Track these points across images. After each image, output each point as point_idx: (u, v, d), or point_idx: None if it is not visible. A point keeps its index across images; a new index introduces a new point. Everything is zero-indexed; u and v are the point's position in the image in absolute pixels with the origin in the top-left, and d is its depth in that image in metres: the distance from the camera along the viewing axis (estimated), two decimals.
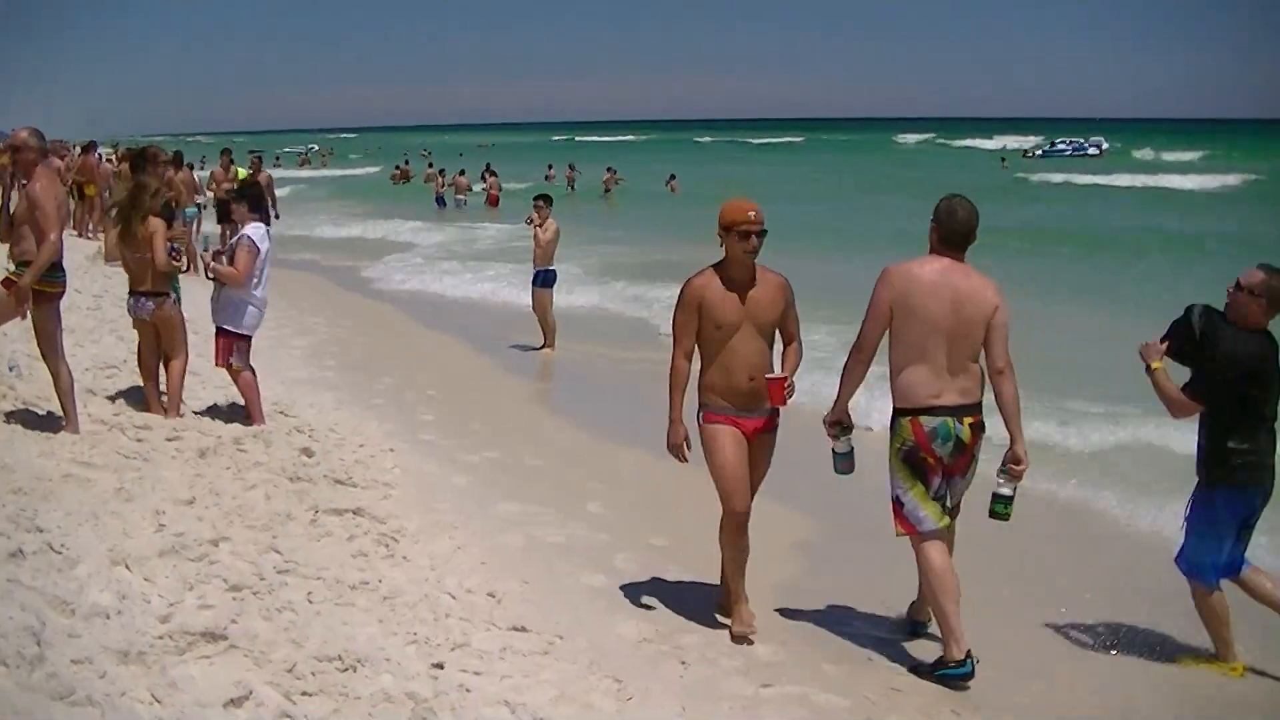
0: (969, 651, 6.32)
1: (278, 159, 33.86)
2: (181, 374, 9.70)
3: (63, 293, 8.61)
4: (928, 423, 6.42)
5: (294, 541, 6.94)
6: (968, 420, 6.46)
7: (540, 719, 5.25)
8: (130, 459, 8.07)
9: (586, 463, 10.52)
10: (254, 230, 9.68)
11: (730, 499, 6.79)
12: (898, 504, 6.58)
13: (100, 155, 28.57)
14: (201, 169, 28.36)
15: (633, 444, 10.90)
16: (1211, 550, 6.61)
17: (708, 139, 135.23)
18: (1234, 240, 27.22)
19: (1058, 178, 57.11)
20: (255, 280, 9.65)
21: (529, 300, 16.19)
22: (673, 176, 50.27)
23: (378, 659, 5.43)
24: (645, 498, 9.53)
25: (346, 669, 5.28)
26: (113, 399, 9.68)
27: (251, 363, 9.78)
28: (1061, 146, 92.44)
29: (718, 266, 6.76)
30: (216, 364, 9.92)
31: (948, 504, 6.63)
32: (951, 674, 6.36)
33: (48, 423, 8.66)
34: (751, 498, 6.84)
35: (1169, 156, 78.53)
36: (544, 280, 15.89)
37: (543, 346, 15.92)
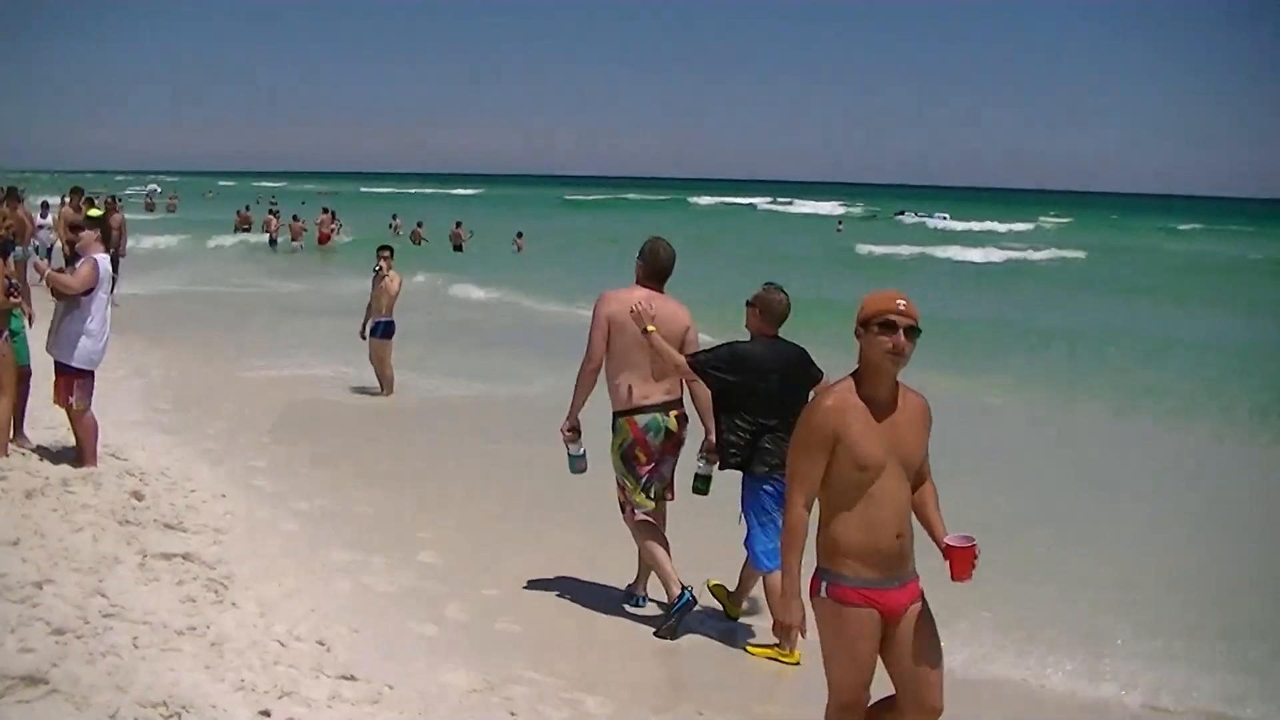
0: (684, 586, 7.79)
1: (118, 199, 33.04)
2: (9, 413, 9.46)
3: None
4: (640, 419, 7.76)
5: (121, 585, 6.85)
6: (673, 413, 7.85)
7: None
8: None
9: (420, 511, 10.50)
10: (100, 258, 9.56)
11: (849, 698, 5.14)
12: (621, 489, 7.99)
13: None
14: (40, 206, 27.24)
15: (468, 493, 10.94)
16: (763, 540, 7.55)
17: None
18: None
19: (887, 250, 57.45)
20: (96, 315, 9.50)
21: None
22: (519, 234, 50.12)
23: (203, 706, 5.40)
24: (478, 548, 9.54)
25: (171, 715, 5.26)
26: None
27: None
28: (908, 215, 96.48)
29: (853, 379, 5.08)
30: (56, 403, 9.71)
31: (653, 492, 7.93)
32: (680, 606, 7.78)
33: None
34: (939, 698, 5.08)
35: (1000, 227, 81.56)
36: (384, 331, 15.90)
37: (381, 394, 15.88)
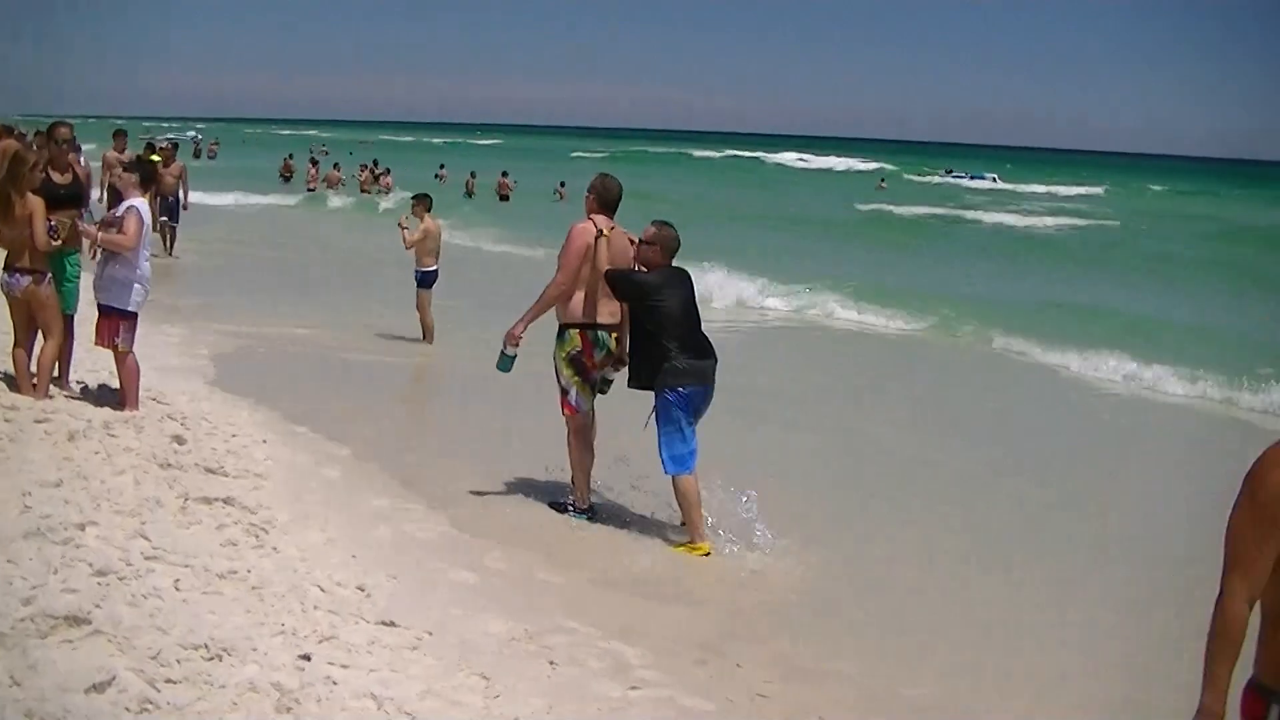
0: (591, 505, 9.06)
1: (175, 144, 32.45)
2: (54, 356, 9.52)
3: None
4: (590, 334, 8.81)
5: (162, 528, 6.87)
6: (614, 335, 8.88)
7: (407, 713, 5.27)
8: None
9: (460, 461, 10.49)
10: (140, 203, 9.57)
11: None
12: (565, 394, 8.94)
13: None
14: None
15: (509, 444, 10.91)
16: (679, 442, 8.51)
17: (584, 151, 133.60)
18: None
19: (925, 210, 56.29)
20: (143, 259, 9.56)
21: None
22: (562, 183, 50.33)
23: (244, 648, 5.41)
24: (520, 499, 9.51)
25: (212, 658, 5.26)
26: None
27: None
28: (958, 175, 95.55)
29: None
30: (98, 344, 9.74)
31: (600, 387, 9.03)
32: (578, 515, 8.99)
33: None
34: None
35: (1062, 190, 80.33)
36: (423, 280, 15.86)
37: (423, 342, 15.86)
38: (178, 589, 6.06)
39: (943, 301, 22.38)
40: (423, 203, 16.28)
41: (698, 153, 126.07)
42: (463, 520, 8.78)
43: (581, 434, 9.04)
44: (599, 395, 9.11)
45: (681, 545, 8.57)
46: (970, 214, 55.71)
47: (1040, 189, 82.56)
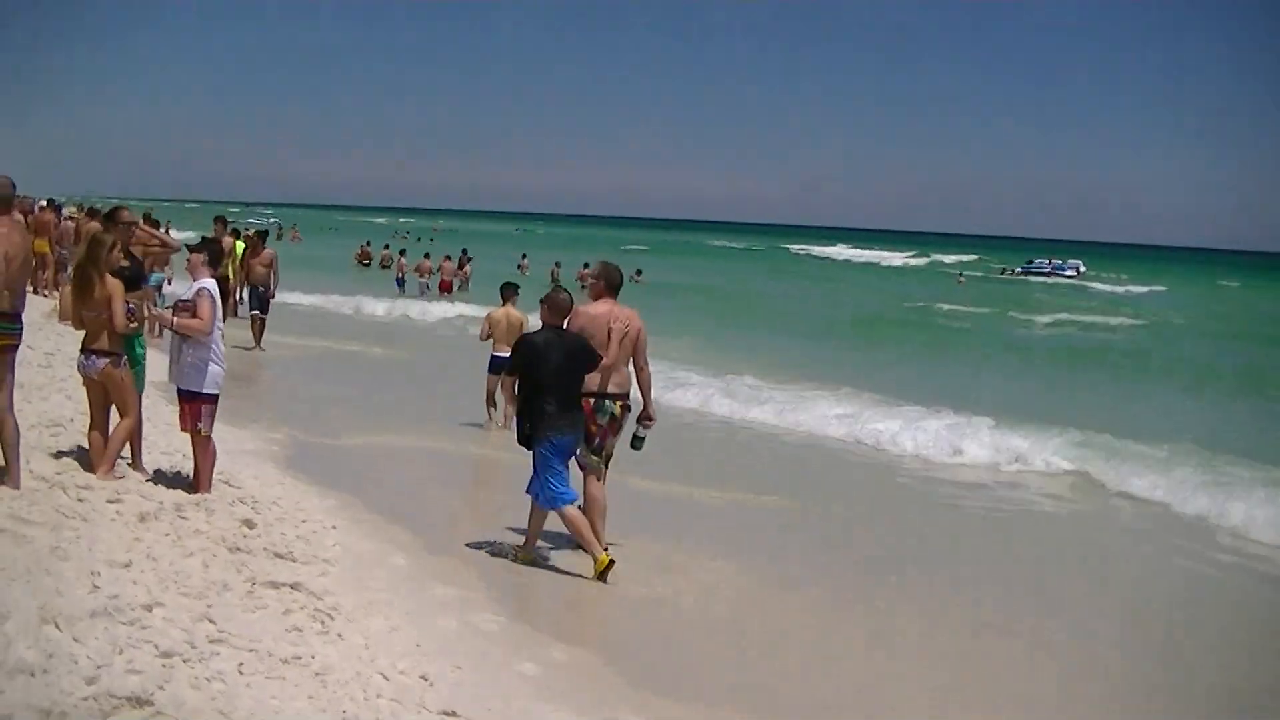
0: (607, 548, 9.67)
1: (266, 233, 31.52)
2: (126, 434, 9.59)
3: (17, 345, 8.54)
4: (594, 403, 9.93)
5: (229, 611, 6.89)
6: (619, 403, 10.07)
7: None
8: (69, 518, 7.98)
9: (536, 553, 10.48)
10: (210, 284, 9.66)
11: None
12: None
13: (62, 212, 28.38)
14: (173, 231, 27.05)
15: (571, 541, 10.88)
16: (560, 483, 9.64)
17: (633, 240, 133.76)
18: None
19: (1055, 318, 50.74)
20: (217, 340, 9.64)
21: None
22: (638, 270, 51.14)
23: None
24: (588, 595, 9.48)
25: None
26: (56, 456, 9.58)
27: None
28: (1040, 264, 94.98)
29: None
30: (182, 428, 9.81)
31: (604, 453, 10.10)
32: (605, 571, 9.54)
33: None
34: None
35: (1137, 289, 79.51)
36: (493, 365, 16.01)
37: (496, 427, 15.93)
38: (241, 673, 6.06)
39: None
40: (509, 292, 16.59)
41: (737, 245, 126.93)
42: (528, 612, 8.76)
43: (588, 488, 10.08)
44: (635, 452, 10.47)
45: (595, 574, 9.51)
46: (1113, 320, 49.98)
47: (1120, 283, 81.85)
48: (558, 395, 9.57)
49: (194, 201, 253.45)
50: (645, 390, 10.36)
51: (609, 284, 10.29)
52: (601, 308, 10.14)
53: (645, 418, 10.39)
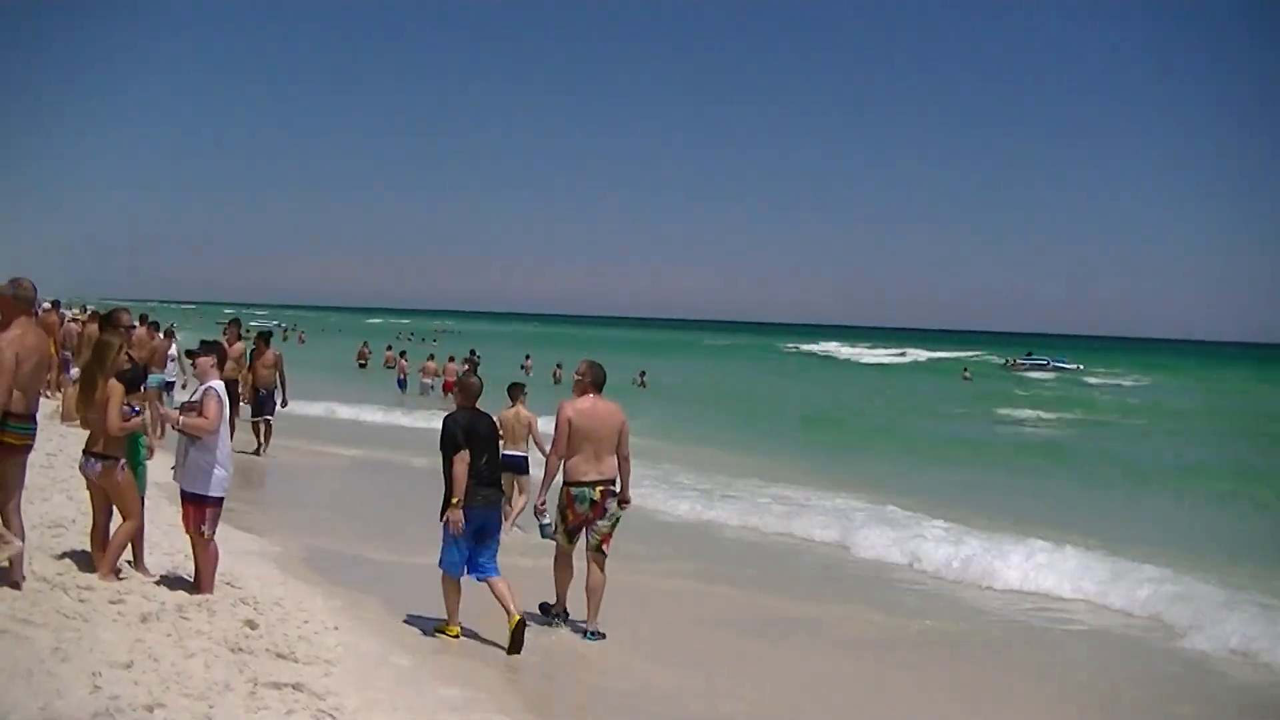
0: (565, 610, 11.14)
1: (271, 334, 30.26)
2: (127, 536, 9.54)
3: (31, 446, 8.55)
4: (574, 490, 10.80)
5: (232, 712, 6.85)
6: (599, 488, 10.81)
7: None
8: (70, 619, 7.95)
9: (535, 649, 10.44)
10: (217, 385, 9.67)
11: None
12: (555, 529, 11.08)
13: (64, 314, 28.52)
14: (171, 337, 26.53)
15: (578, 642, 10.84)
16: (455, 551, 10.30)
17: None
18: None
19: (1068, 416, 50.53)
20: (224, 443, 9.62)
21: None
22: (643, 373, 51.43)
23: None
24: (598, 698, 9.42)
25: None
26: (58, 558, 9.57)
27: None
28: (1039, 359, 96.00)
29: None
30: (186, 529, 9.78)
31: (586, 538, 10.92)
32: (553, 622, 11.06)
33: None
34: None
35: (1127, 381, 80.00)
36: (509, 464, 15.93)
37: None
38: None
39: None
40: (516, 391, 16.50)
41: (730, 342, 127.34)
42: (533, 714, 8.68)
43: (560, 560, 11.11)
44: (607, 527, 10.95)
45: (440, 629, 10.51)
46: (1123, 421, 48.34)
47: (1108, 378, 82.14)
48: (476, 473, 10.24)
49: (189, 303, 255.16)
50: (624, 477, 11.05)
51: (593, 381, 11.04)
52: (585, 403, 10.94)
53: (622, 500, 11.05)
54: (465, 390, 10.72)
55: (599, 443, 10.82)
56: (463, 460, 10.14)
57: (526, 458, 16.16)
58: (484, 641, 10.36)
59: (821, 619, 12.58)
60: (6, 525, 8.32)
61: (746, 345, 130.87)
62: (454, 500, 10.12)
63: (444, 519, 10.22)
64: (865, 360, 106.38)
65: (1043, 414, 48.95)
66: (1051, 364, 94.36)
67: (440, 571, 10.43)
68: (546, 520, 11.30)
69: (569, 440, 10.80)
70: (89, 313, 34.72)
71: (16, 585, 8.38)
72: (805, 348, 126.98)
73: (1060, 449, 34.99)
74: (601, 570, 10.90)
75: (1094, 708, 10.16)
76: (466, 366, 47.10)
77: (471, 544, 10.31)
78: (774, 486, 21.61)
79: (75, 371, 16.49)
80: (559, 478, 11.01)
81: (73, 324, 26.88)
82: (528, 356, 57.18)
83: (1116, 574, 14.40)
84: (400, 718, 7.81)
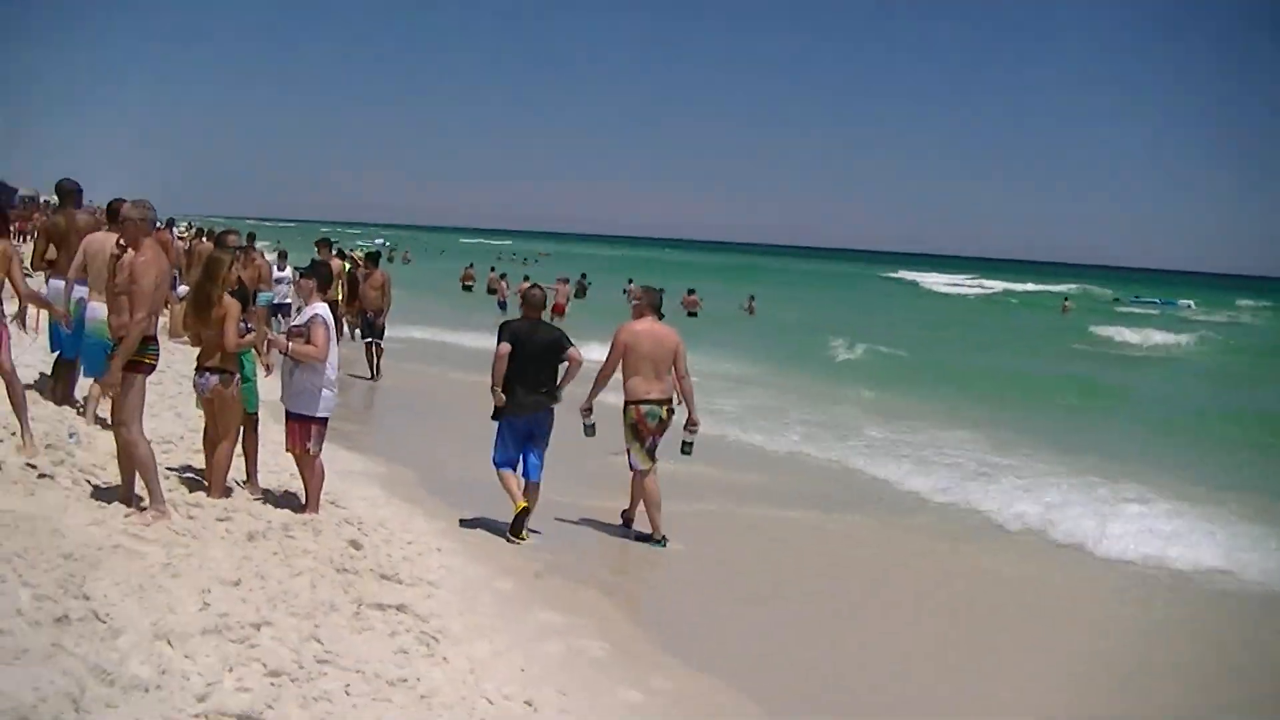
0: (663, 535, 11.36)
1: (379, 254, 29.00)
2: (226, 458, 9.65)
3: (154, 366, 8.63)
4: (643, 408, 11.31)
5: (336, 632, 6.90)
6: (665, 407, 11.37)
7: None
8: (180, 535, 8.05)
9: (636, 576, 10.47)
10: (322, 309, 9.73)
11: None
12: (629, 454, 11.41)
13: (174, 232, 28.90)
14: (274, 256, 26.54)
15: (685, 563, 10.83)
16: (501, 450, 11.12)
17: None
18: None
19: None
20: (331, 364, 9.67)
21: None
22: (751, 298, 51.11)
23: None
24: (700, 619, 9.42)
25: None
26: (166, 475, 9.68)
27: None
28: (1148, 300, 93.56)
29: None
30: (288, 449, 9.89)
31: (653, 453, 11.36)
32: (653, 544, 11.31)
33: (101, 492, 8.68)
34: None
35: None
36: None
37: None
38: (348, 694, 6.06)
39: None
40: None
41: (816, 267, 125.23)
42: (635, 638, 8.68)
43: (638, 483, 11.52)
44: (685, 457, 11.74)
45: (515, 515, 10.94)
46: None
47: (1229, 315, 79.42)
48: (523, 382, 10.94)
49: (289, 221, 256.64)
50: (688, 398, 11.53)
51: (650, 304, 11.67)
52: (642, 326, 11.48)
53: (690, 423, 11.57)
54: (527, 301, 11.48)
55: (657, 363, 11.35)
56: (500, 356, 10.86)
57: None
58: (585, 567, 10.38)
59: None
60: (133, 444, 8.41)
61: (841, 273, 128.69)
62: (493, 388, 10.96)
63: (493, 416, 11.07)
64: (964, 292, 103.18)
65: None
66: (1161, 305, 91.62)
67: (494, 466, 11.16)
68: (590, 421, 11.65)
69: (626, 361, 11.38)
70: (194, 230, 35.14)
71: (129, 501, 8.51)
72: (903, 275, 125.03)
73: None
74: (656, 483, 11.45)
75: None
76: (576, 288, 47.13)
77: (522, 444, 11.12)
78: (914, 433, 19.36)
79: (183, 289, 16.65)
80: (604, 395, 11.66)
81: (179, 242, 27.22)
82: (630, 281, 56.78)
83: None
84: (502, 641, 7.84)
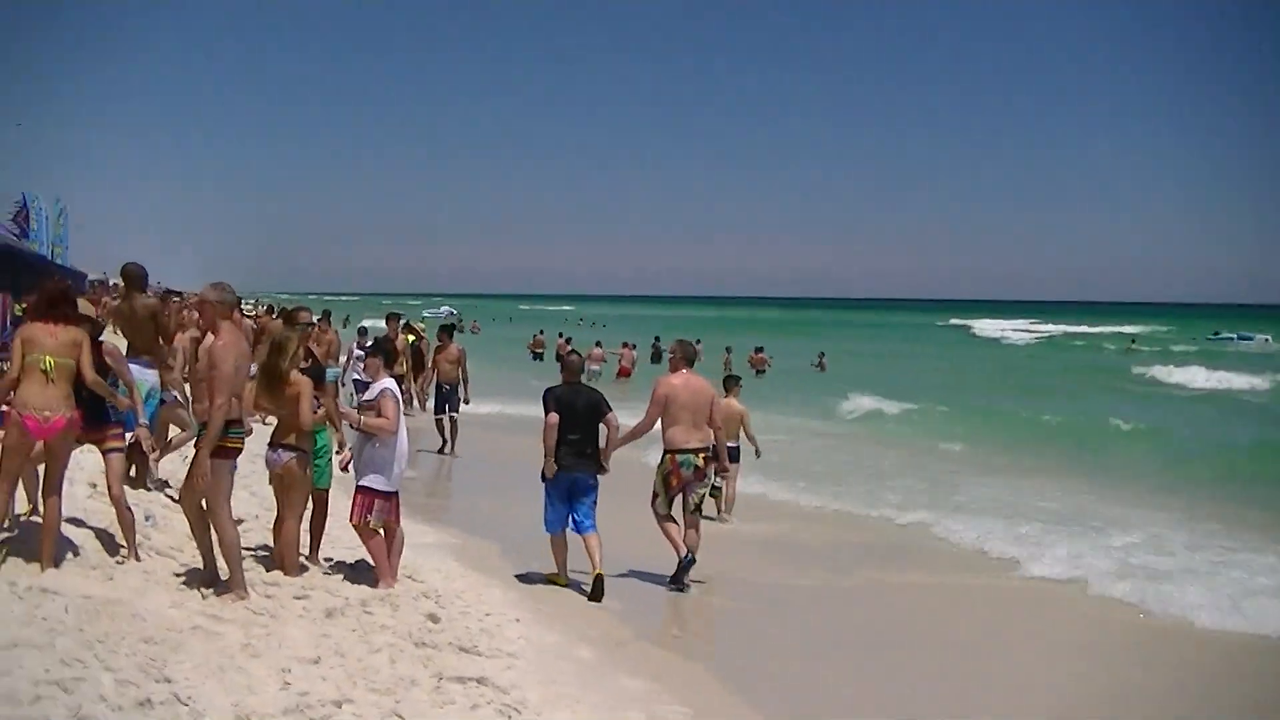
0: (688, 550, 11.78)
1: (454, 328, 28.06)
2: (295, 535, 9.67)
3: (239, 450, 8.65)
4: (679, 457, 11.94)
5: (417, 707, 6.86)
6: (701, 455, 11.95)
7: None
8: (258, 615, 8.07)
9: (714, 641, 10.34)
10: (391, 384, 9.81)
11: None
12: (653, 499, 12.07)
13: (242, 310, 29.17)
14: (344, 328, 26.79)
15: (761, 637, 10.71)
16: (550, 510, 11.49)
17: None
18: None
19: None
20: (401, 438, 9.78)
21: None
22: (821, 354, 51.14)
23: None
24: (781, 685, 9.28)
25: None
26: (242, 554, 9.68)
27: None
28: (1226, 335, 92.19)
29: None
30: (350, 520, 9.91)
31: (687, 506, 12.08)
32: (685, 563, 11.77)
33: (178, 574, 8.71)
34: None
35: None
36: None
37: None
38: None
39: None
40: (731, 384, 16.96)
41: (877, 319, 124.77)
42: (716, 704, 8.55)
43: (662, 520, 12.04)
44: (711, 498, 13.29)
45: (551, 579, 11.60)
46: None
47: None
48: (567, 443, 11.29)
49: (350, 295, 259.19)
50: (720, 445, 12.21)
51: (684, 357, 12.33)
52: (679, 379, 12.14)
53: (721, 469, 12.73)
54: (566, 366, 11.84)
55: (695, 412, 11.99)
56: (550, 425, 11.21)
57: (738, 448, 16.22)
58: (664, 630, 10.29)
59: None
60: (221, 529, 8.44)
61: (900, 324, 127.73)
62: (546, 457, 11.28)
63: (542, 478, 11.43)
64: (1024, 340, 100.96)
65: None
66: (1239, 338, 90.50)
67: (547, 533, 11.54)
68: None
69: (666, 412, 11.98)
70: (265, 308, 35.44)
71: (209, 583, 8.53)
72: (961, 323, 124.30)
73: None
74: (698, 531, 12.11)
75: None
76: (649, 351, 47.10)
77: (567, 503, 11.42)
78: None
79: (253, 367, 16.78)
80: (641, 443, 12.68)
81: (248, 320, 27.41)
82: (698, 341, 56.65)
83: None
84: (584, 711, 7.74)
